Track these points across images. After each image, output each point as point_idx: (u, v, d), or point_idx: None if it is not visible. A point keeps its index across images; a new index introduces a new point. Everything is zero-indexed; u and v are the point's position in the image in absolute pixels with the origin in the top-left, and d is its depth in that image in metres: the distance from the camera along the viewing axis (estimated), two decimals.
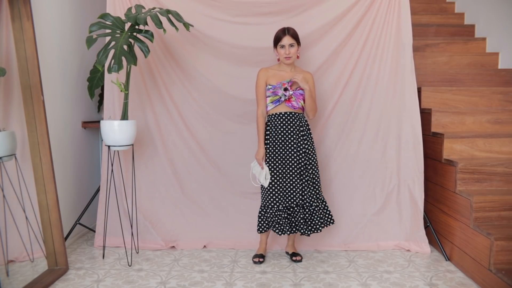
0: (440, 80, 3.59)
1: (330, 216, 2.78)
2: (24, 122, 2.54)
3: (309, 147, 2.71)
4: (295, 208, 2.67)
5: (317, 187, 2.74)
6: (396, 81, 2.99)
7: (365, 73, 3.00)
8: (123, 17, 2.76)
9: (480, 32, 4.10)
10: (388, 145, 3.02)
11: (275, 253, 2.90)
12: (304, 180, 2.67)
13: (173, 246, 3.02)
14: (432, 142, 3.07)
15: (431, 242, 3.00)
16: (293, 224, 2.68)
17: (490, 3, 3.95)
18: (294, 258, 2.77)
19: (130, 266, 2.69)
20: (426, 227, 2.98)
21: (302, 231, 2.67)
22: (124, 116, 2.68)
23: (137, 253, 2.90)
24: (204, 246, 3.03)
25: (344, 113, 3.03)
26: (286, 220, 2.66)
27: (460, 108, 3.16)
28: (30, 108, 2.50)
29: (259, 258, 2.74)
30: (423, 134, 3.09)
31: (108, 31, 2.69)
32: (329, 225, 2.77)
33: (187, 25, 2.62)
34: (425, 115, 3.15)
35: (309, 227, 2.68)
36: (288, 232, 2.65)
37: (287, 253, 2.86)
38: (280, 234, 2.64)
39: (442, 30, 4.14)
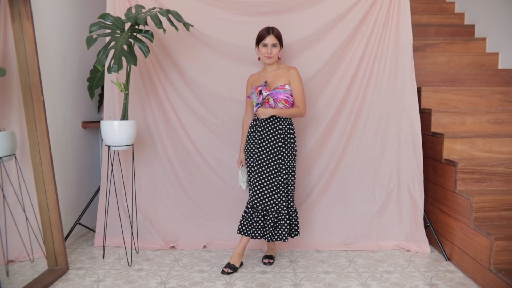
0: (440, 80, 3.59)
1: (296, 227, 2.68)
2: (24, 122, 2.54)
3: (285, 151, 2.62)
4: (264, 212, 2.59)
5: (287, 194, 2.64)
6: (396, 81, 2.99)
7: (366, 73, 3.00)
8: (123, 17, 2.76)
9: (480, 32, 4.11)
10: (387, 145, 3.01)
11: (275, 253, 2.89)
12: (274, 185, 2.59)
13: (173, 246, 3.02)
14: (432, 142, 3.07)
15: (431, 242, 3.00)
16: (265, 229, 2.59)
17: (490, 3, 3.95)
18: (265, 260, 2.73)
19: (130, 266, 2.69)
20: (426, 227, 2.98)
21: (267, 237, 2.58)
22: (124, 116, 2.68)
23: (137, 253, 2.90)
24: (204, 246, 3.03)
25: (347, 113, 3.02)
26: (259, 223, 2.59)
27: (460, 108, 3.16)
28: (30, 108, 2.50)
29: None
30: (423, 134, 3.08)
31: (108, 31, 2.69)
32: (293, 236, 2.67)
33: (187, 25, 2.62)
34: (425, 115, 3.15)
35: (275, 234, 2.59)
36: (259, 237, 2.57)
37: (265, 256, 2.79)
38: (253, 238, 2.58)
39: (442, 30, 4.14)
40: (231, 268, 2.57)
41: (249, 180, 2.71)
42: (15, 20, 2.46)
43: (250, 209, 2.60)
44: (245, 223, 2.60)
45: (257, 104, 2.63)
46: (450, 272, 2.61)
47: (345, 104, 3.02)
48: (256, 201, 2.59)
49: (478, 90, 3.31)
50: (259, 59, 2.73)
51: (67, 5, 3.10)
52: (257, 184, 2.61)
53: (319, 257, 2.84)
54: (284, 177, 2.62)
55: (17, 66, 2.49)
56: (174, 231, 3.06)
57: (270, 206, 2.58)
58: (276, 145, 2.61)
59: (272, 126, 2.63)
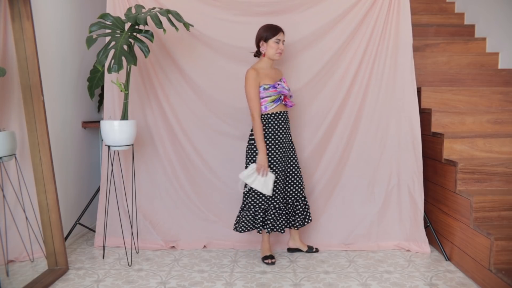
0: (440, 80, 3.59)
1: (309, 214, 2.86)
2: (24, 122, 2.54)
3: (293, 146, 2.84)
4: (291, 204, 2.80)
5: (301, 185, 2.83)
6: (395, 81, 2.99)
7: (366, 73, 3.00)
8: (123, 17, 2.76)
9: (480, 32, 4.11)
10: (387, 145, 3.01)
11: (275, 253, 2.90)
12: (295, 177, 2.79)
13: (173, 246, 3.02)
14: (432, 142, 3.07)
15: (431, 242, 3.00)
16: (290, 219, 2.81)
17: (490, 3, 3.95)
18: (313, 250, 2.91)
19: (130, 266, 2.69)
20: (426, 227, 2.98)
21: (296, 225, 2.81)
22: (124, 116, 2.68)
23: (137, 253, 2.91)
24: (204, 246, 3.03)
25: (347, 113, 3.02)
26: (284, 216, 2.75)
27: (460, 108, 3.16)
28: (30, 108, 2.50)
29: (271, 259, 2.74)
30: (423, 134, 3.08)
31: (108, 31, 2.69)
32: (308, 223, 2.84)
33: (187, 25, 2.62)
34: (425, 115, 3.15)
35: (297, 222, 2.81)
36: (284, 228, 2.76)
37: (292, 250, 2.93)
38: (282, 232, 2.73)
39: (442, 30, 4.14)
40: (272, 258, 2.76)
41: (287, 176, 2.79)
42: (15, 20, 2.46)
43: (279, 206, 2.73)
44: (274, 222, 2.73)
45: (278, 99, 2.67)
46: (450, 272, 2.61)
47: (345, 104, 3.02)
48: (297, 194, 2.79)
49: (478, 90, 3.31)
50: (264, 55, 2.70)
51: (67, 5, 3.10)
52: (298, 177, 2.79)
53: (319, 257, 2.84)
54: (298, 169, 2.83)
55: (17, 66, 2.49)
56: (174, 231, 3.06)
57: (296, 193, 2.80)
58: (290, 139, 2.82)
59: (287, 120, 2.77)
